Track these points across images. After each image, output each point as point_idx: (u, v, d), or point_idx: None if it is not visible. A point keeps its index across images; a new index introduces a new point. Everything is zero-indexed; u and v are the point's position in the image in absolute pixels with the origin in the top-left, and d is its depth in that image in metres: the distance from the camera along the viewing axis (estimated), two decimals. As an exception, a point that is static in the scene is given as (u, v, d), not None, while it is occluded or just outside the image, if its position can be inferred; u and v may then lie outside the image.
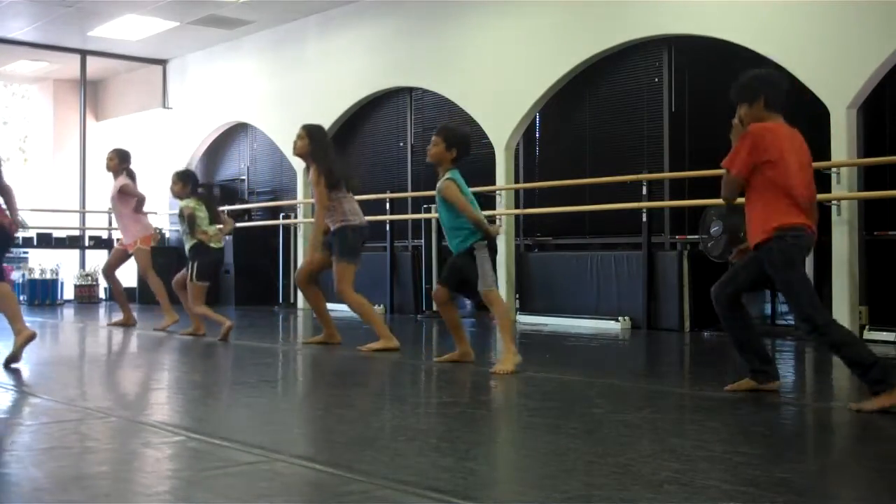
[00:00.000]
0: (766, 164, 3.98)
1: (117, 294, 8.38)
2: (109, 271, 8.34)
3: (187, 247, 7.17)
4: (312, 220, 6.66)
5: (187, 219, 7.09)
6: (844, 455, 3.33)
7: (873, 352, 3.86)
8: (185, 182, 7.29)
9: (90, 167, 14.01)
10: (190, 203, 7.14)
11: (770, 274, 4.07)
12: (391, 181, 10.68)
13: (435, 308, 9.66)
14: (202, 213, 7.17)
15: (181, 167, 7.84)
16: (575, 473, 2.71)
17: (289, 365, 5.82)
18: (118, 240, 8.41)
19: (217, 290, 11.79)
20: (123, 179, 8.13)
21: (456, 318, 5.42)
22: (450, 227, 5.24)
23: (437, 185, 5.23)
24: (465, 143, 5.30)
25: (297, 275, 6.69)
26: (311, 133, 6.38)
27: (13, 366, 5.18)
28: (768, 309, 7.79)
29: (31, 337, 5.30)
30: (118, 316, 8.44)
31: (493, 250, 5.19)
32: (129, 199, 8.10)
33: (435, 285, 5.49)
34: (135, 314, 8.40)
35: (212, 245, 7.14)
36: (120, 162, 8.24)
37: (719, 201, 7.16)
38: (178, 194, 7.32)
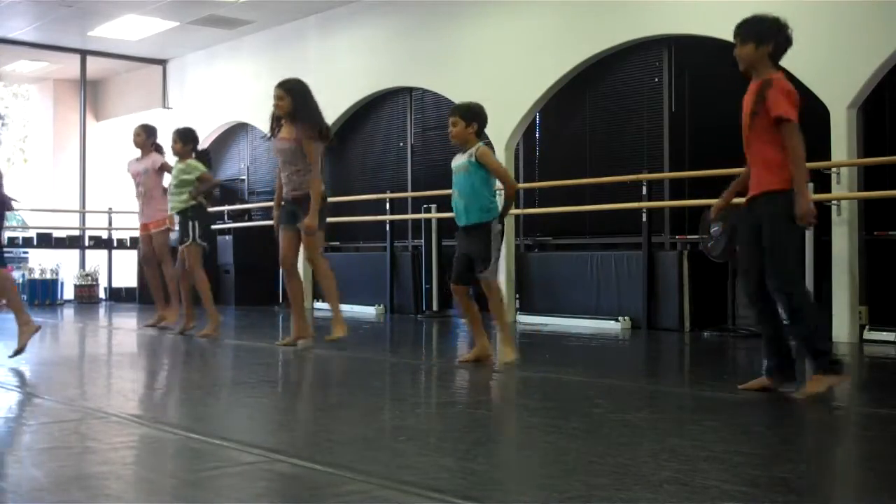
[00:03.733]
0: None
1: (155, 286, 8.01)
2: (153, 261, 7.94)
3: (183, 207, 7.10)
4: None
5: (202, 180, 7.08)
6: (844, 455, 3.33)
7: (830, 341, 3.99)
8: (185, 141, 7.27)
9: (90, 167, 14.02)
10: (198, 165, 7.16)
11: (768, 226, 3.97)
12: (391, 181, 10.68)
13: (436, 308, 9.73)
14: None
15: (184, 126, 7.68)
16: (575, 473, 2.71)
17: (289, 365, 5.82)
18: (141, 225, 8.11)
19: (217, 290, 11.80)
20: (160, 157, 7.98)
21: (476, 312, 5.43)
22: (471, 197, 5.26)
23: (469, 152, 5.28)
24: (481, 114, 5.42)
25: (284, 257, 6.32)
26: (292, 89, 6.19)
27: (15, 363, 5.18)
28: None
29: (36, 329, 5.34)
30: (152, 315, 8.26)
31: (501, 236, 5.31)
32: (162, 178, 7.84)
33: (452, 284, 5.50)
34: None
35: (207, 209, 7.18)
36: (147, 137, 8.06)
37: (719, 201, 7.19)
38: (178, 153, 7.29)
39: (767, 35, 4.04)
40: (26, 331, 5.29)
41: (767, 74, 4.09)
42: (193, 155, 7.38)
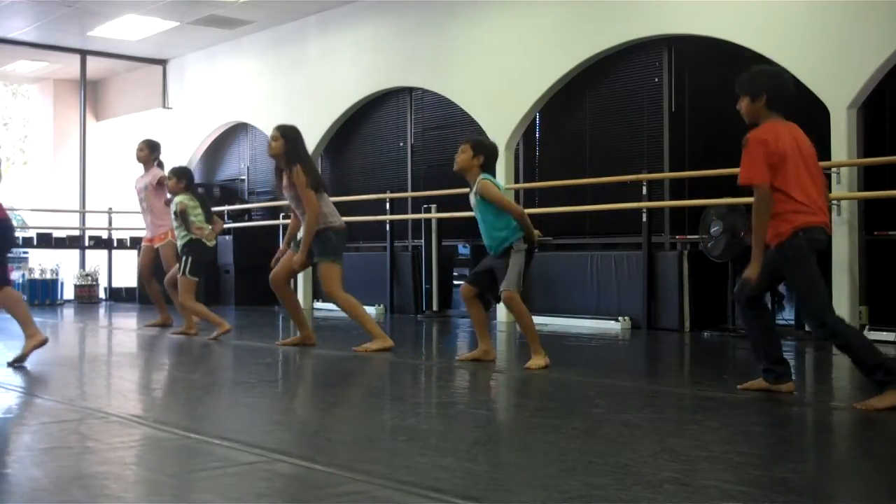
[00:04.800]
0: (774, 167, 3.99)
1: (155, 295, 8.13)
2: (146, 273, 8.09)
3: (181, 243, 7.19)
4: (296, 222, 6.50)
5: (180, 214, 7.13)
6: (844, 455, 3.33)
7: (880, 352, 3.90)
8: (179, 178, 7.30)
9: (90, 167, 14.02)
10: (184, 199, 7.17)
11: (785, 275, 4.12)
12: (391, 181, 10.68)
13: (436, 308, 9.73)
14: (197, 210, 7.19)
15: (179, 165, 7.76)
16: (575, 473, 2.71)
17: (289, 365, 5.82)
18: (146, 239, 8.17)
19: (217, 290, 11.81)
20: (160, 171, 8.02)
21: (482, 315, 5.46)
22: (492, 228, 5.27)
23: (473, 189, 5.30)
24: (492, 152, 5.43)
25: (275, 275, 6.42)
26: (286, 134, 6.27)
27: (16, 366, 5.18)
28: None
29: (43, 342, 5.31)
30: (155, 317, 8.30)
31: (530, 256, 5.27)
32: (162, 192, 7.86)
33: (464, 282, 5.52)
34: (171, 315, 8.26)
35: (209, 243, 7.17)
36: (151, 153, 8.11)
37: (719, 201, 7.20)
38: (172, 190, 7.32)
39: (759, 88, 4.11)
40: (31, 342, 5.29)
41: (766, 125, 4.12)
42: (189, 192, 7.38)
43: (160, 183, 7.86)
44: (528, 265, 5.28)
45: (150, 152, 8.11)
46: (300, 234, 6.27)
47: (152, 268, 8.09)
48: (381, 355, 5.88)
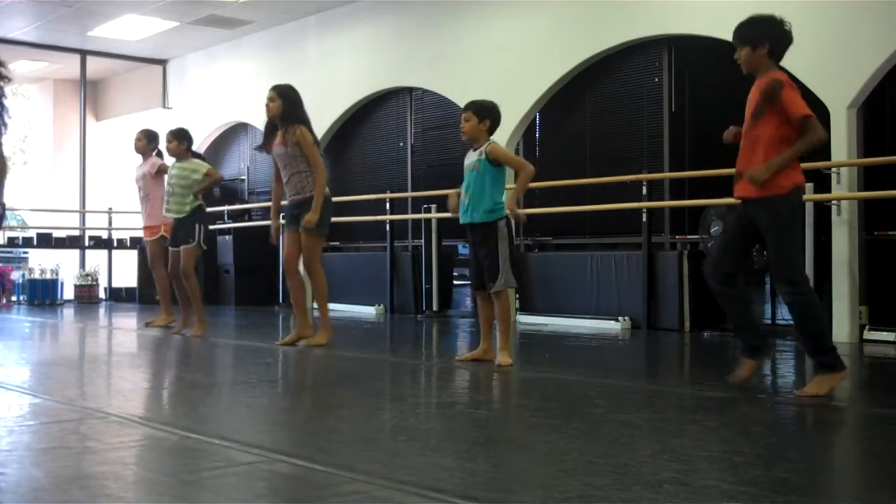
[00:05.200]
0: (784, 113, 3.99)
1: (164, 291, 8.04)
2: (154, 264, 7.99)
3: (188, 210, 7.12)
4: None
5: (210, 182, 7.11)
6: (844, 455, 3.33)
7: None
8: (180, 140, 7.29)
9: (90, 167, 14.02)
10: (208, 167, 7.21)
11: (772, 231, 4.03)
12: (391, 181, 10.68)
13: (436, 308, 9.73)
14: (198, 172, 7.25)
15: (178, 126, 7.74)
16: (575, 473, 2.71)
17: (289, 365, 5.82)
18: (146, 228, 8.14)
19: (217, 290, 11.81)
20: (159, 160, 8.03)
21: (490, 314, 5.42)
22: (478, 197, 5.24)
23: (479, 150, 5.26)
24: (495, 112, 5.38)
25: (287, 260, 6.33)
26: (284, 93, 6.22)
27: (16, 363, 5.18)
28: (768, 310, 7.79)
29: None
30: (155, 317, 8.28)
31: (510, 232, 5.29)
32: (161, 181, 7.86)
33: (472, 290, 5.53)
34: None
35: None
36: (148, 142, 8.12)
37: (719, 201, 7.20)
38: (174, 153, 7.30)
39: (761, 36, 4.09)
40: None
41: (771, 74, 4.11)
42: (190, 155, 7.42)
43: (160, 171, 7.87)
44: (513, 241, 5.31)
45: (147, 142, 8.11)
46: (284, 202, 6.23)
47: (165, 258, 7.94)
48: (379, 355, 5.87)
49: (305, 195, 6.13)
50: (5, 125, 4.87)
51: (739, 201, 4.24)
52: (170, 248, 7.38)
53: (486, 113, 5.32)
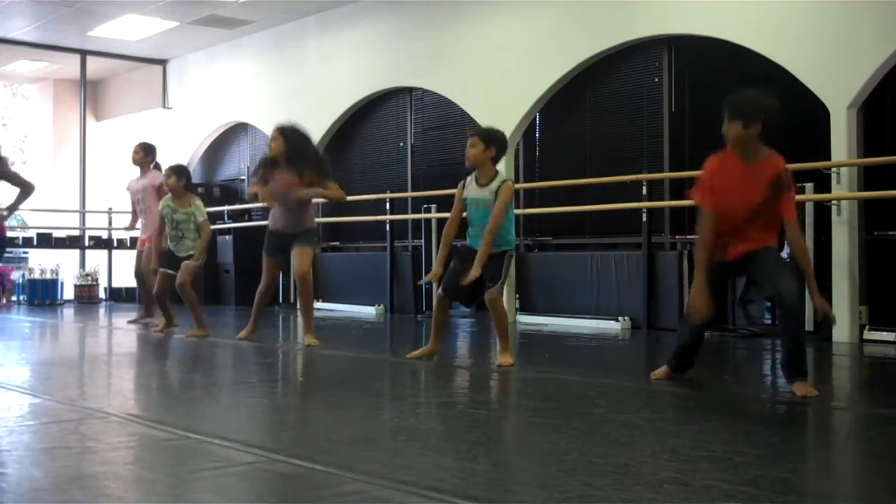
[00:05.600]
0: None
1: (147, 294, 8.18)
2: (148, 270, 7.98)
3: (190, 248, 7.15)
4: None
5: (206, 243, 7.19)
6: (844, 455, 3.33)
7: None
8: (179, 175, 7.30)
9: (90, 167, 14.02)
10: (202, 208, 7.21)
11: (768, 258, 4.17)
12: (391, 181, 10.68)
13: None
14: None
15: (177, 163, 7.79)
16: (575, 473, 2.71)
17: (289, 365, 5.82)
18: (142, 238, 8.19)
19: (217, 290, 11.81)
20: (158, 173, 8.05)
21: (446, 319, 5.59)
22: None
23: (489, 187, 5.21)
24: (503, 140, 5.33)
25: (264, 290, 6.73)
26: (286, 133, 6.34)
27: (10, 365, 5.18)
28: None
29: None
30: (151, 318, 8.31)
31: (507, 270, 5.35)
32: (160, 197, 7.94)
33: (441, 292, 5.49)
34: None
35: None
36: (146, 155, 8.17)
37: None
38: (171, 188, 7.31)
39: (755, 116, 4.01)
40: None
41: (764, 157, 4.11)
42: (192, 193, 7.46)
43: (161, 187, 7.88)
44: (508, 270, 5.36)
45: (144, 155, 8.16)
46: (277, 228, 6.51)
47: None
48: (379, 355, 5.88)
49: (301, 229, 6.46)
50: None
51: (721, 264, 4.30)
52: (161, 270, 7.33)
53: (493, 141, 5.24)
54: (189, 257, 7.14)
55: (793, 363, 4.09)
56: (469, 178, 5.35)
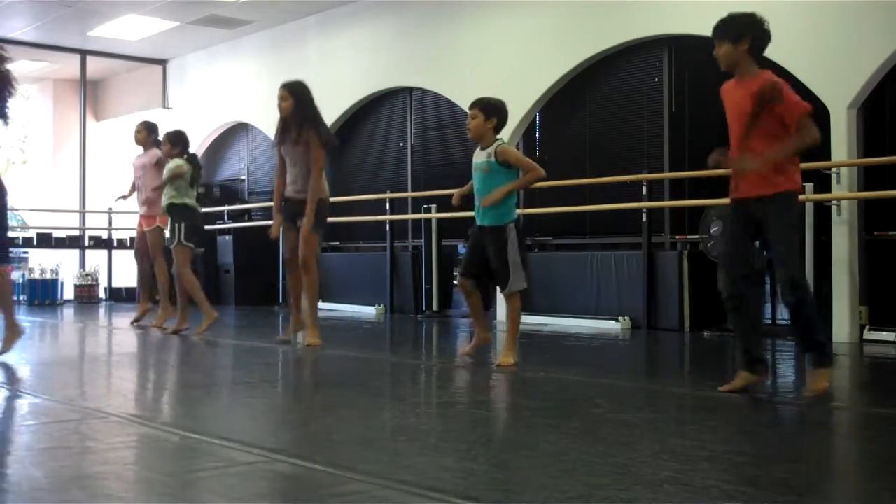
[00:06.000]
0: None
1: (145, 278, 8.23)
2: (155, 254, 7.94)
3: (170, 202, 7.17)
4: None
5: (175, 176, 7.17)
6: (844, 455, 3.33)
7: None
8: (173, 144, 7.33)
9: (90, 167, 14.02)
10: (180, 163, 7.22)
11: (778, 224, 4.02)
12: (391, 181, 10.68)
13: (436, 308, 9.73)
14: (189, 175, 7.25)
15: (174, 129, 7.83)
16: (575, 473, 2.71)
17: (289, 365, 5.82)
18: (143, 218, 8.19)
19: (217, 290, 11.81)
20: (158, 152, 8.06)
21: (479, 302, 5.43)
22: (487, 194, 5.18)
23: (486, 150, 5.21)
24: (502, 110, 5.32)
25: (288, 255, 6.41)
26: (295, 91, 6.27)
27: (15, 362, 5.18)
28: (769, 310, 7.78)
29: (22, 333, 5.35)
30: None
31: (521, 242, 5.25)
32: (159, 173, 7.88)
33: (459, 276, 5.49)
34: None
35: (196, 207, 7.21)
36: (149, 134, 8.21)
37: (719, 201, 7.20)
38: (166, 155, 7.34)
39: (742, 32, 4.06)
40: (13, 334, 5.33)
41: (755, 73, 4.11)
42: (184, 156, 7.49)
43: (159, 163, 7.91)
44: (523, 243, 5.27)
45: (147, 133, 8.19)
46: (286, 193, 6.27)
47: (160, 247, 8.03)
48: (379, 355, 5.87)
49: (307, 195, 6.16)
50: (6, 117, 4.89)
51: (735, 203, 4.22)
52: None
53: (493, 111, 5.25)
54: (170, 211, 7.16)
55: (816, 349, 4.03)
56: (477, 149, 5.37)
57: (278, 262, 11.48)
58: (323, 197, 6.20)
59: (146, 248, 8.05)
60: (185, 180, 7.23)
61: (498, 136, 5.29)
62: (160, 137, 8.07)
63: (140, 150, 8.22)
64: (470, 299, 5.45)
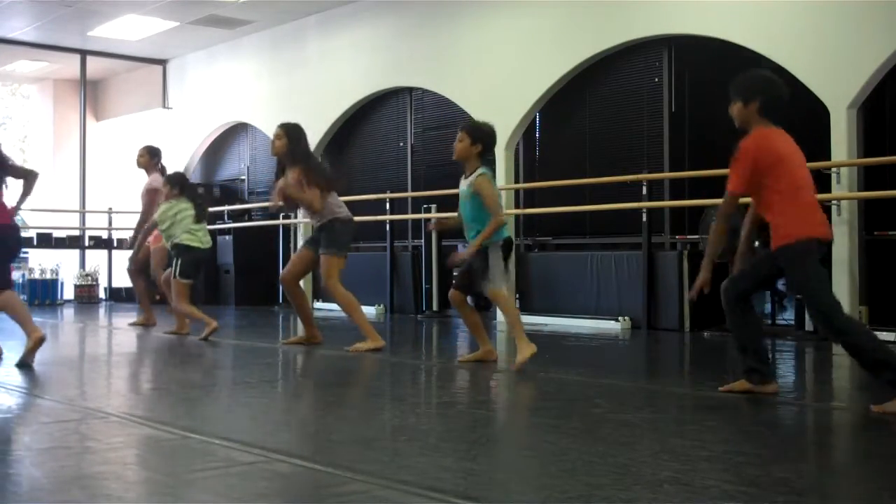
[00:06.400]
0: (769, 169, 3.96)
1: (142, 293, 8.25)
2: (156, 270, 8.00)
3: (169, 244, 7.21)
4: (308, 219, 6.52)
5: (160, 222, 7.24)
6: (844, 455, 3.33)
7: (889, 350, 3.82)
8: (172, 185, 7.33)
9: (90, 167, 14.02)
10: (165, 208, 7.22)
11: (791, 276, 4.05)
12: (391, 181, 10.68)
13: (436, 308, 9.73)
14: (187, 212, 7.20)
15: (179, 168, 7.85)
16: (575, 473, 2.71)
17: (289, 365, 5.82)
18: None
19: (217, 290, 11.81)
20: (156, 179, 8.08)
21: (475, 318, 5.42)
22: (472, 221, 5.22)
23: (468, 179, 5.22)
24: (490, 137, 5.30)
25: (285, 274, 6.46)
26: (290, 132, 6.26)
27: (20, 368, 5.18)
28: (768, 309, 7.79)
29: (43, 339, 5.32)
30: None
31: (509, 250, 5.23)
32: (155, 199, 7.95)
33: (451, 289, 5.47)
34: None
35: (196, 244, 7.15)
36: (150, 158, 8.23)
37: (719, 201, 7.19)
38: (167, 197, 7.36)
39: (754, 92, 4.06)
40: (33, 340, 5.31)
41: (753, 133, 4.10)
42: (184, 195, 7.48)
43: (153, 191, 7.94)
44: (508, 259, 5.23)
45: (149, 158, 8.22)
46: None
47: (144, 265, 8.12)
48: (379, 355, 5.88)
49: (325, 220, 6.16)
50: None
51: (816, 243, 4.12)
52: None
53: (480, 136, 5.23)
54: (171, 248, 7.18)
55: (882, 370, 3.80)
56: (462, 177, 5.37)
57: (278, 262, 11.51)
58: (342, 217, 6.19)
59: (141, 264, 8.08)
60: (178, 221, 7.19)
61: (480, 167, 5.22)
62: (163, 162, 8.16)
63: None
64: (465, 315, 5.42)
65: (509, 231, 9.10)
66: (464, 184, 5.29)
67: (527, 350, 5.08)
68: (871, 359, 3.80)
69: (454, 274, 5.76)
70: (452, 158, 5.41)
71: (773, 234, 4.02)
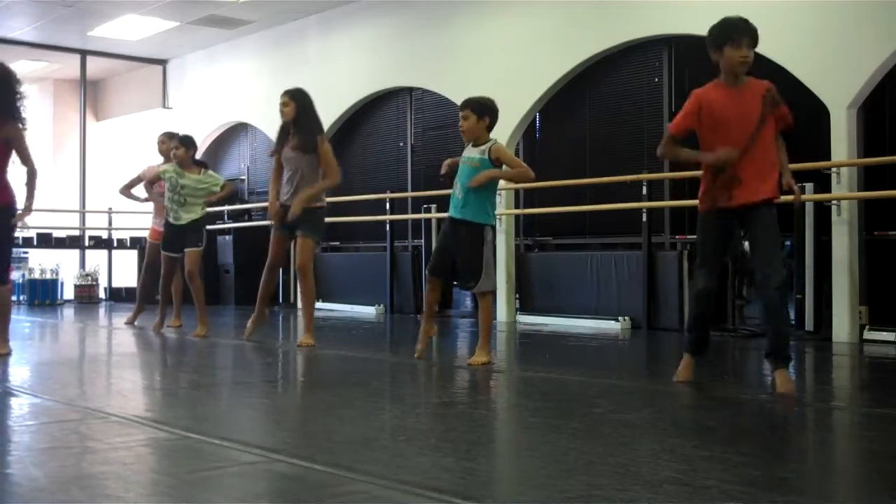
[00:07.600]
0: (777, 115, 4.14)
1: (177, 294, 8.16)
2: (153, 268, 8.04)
3: (193, 217, 7.27)
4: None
5: (227, 193, 7.54)
6: (844, 455, 3.33)
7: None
8: (188, 147, 7.38)
9: (90, 167, 14.02)
10: (218, 177, 7.42)
11: (769, 229, 4.17)
12: (391, 181, 10.68)
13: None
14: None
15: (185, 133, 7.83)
16: (575, 473, 2.71)
17: (289, 365, 5.82)
18: (154, 230, 8.17)
19: (217, 290, 11.81)
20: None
21: (438, 298, 5.57)
22: (479, 198, 5.16)
23: (482, 148, 5.18)
24: (493, 108, 5.27)
25: (274, 259, 6.44)
26: (297, 97, 6.32)
27: (15, 362, 5.19)
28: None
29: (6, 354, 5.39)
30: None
31: (494, 247, 5.28)
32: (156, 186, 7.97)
33: (428, 275, 5.48)
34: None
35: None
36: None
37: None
38: (181, 159, 7.36)
39: (756, 40, 4.31)
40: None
41: (760, 80, 4.24)
42: (200, 166, 7.59)
43: (152, 178, 7.95)
44: (494, 248, 5.30)
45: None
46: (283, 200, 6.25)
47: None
48: (379, 355, 5.88)
49: (314, 204, 6.20)
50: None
51: (725, 208, 4.26)
52: (164, 253, 7.44)
53: (485, 110, 5.20)
54: (189, 226, 7.17)
55: (777, 350, 4.15)
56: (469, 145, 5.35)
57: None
58: (324, 206, 6.33)
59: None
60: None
61: (491, 137, 5.27)
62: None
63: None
64: (433, 294, 5.48)
65: (505, 231, 9.13)
66: (473, 150, 5.22)
67: (485, 356, 5.19)
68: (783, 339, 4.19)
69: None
70: (463, 139, 5.36)
71: (762, 183, 4.20)
